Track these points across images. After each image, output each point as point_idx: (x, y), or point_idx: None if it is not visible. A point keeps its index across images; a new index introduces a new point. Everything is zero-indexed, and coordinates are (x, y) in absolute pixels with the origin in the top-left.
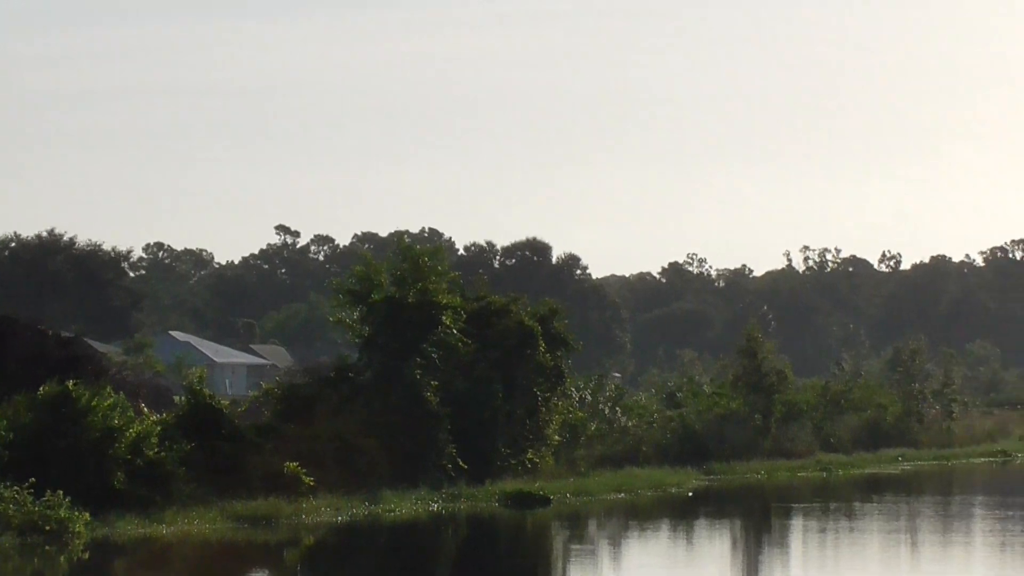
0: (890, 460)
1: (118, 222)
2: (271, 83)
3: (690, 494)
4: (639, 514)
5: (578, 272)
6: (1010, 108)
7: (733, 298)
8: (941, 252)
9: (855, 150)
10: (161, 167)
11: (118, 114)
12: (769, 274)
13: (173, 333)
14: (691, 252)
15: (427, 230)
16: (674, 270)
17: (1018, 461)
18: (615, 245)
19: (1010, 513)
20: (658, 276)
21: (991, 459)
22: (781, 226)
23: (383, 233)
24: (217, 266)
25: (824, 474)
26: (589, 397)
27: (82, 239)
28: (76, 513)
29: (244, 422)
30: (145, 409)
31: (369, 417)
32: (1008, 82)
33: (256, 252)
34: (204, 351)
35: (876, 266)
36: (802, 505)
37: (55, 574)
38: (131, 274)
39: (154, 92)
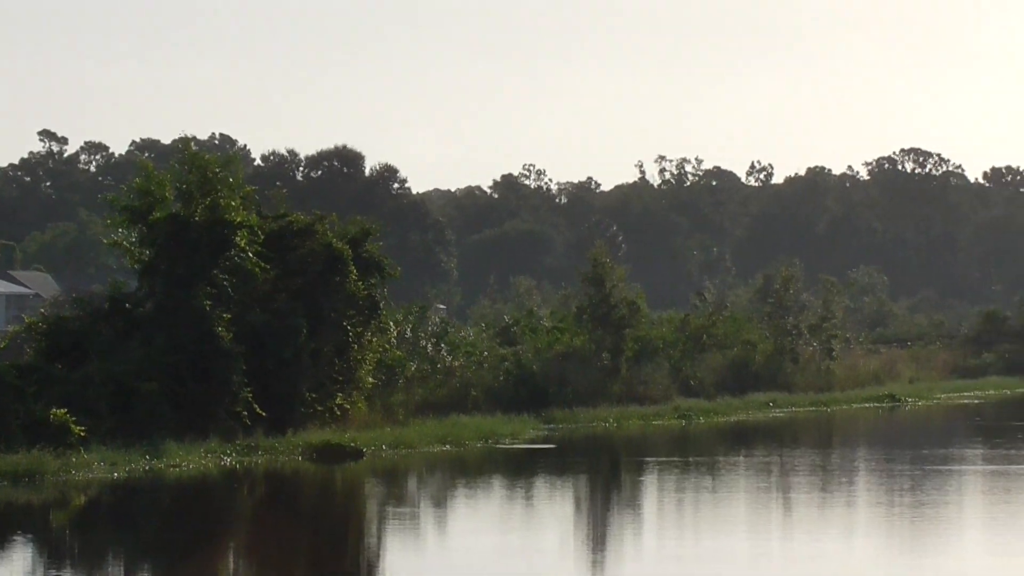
0: (759, 406)
1: None
2: None
3: (536, 446)
4: (467, 470)
5: (395, 186)
6: None
7: (577, 217)
8: (819, 163)
9: (719, 43)
10: None
11: None
12: (619, 188)
13: None
14: (528, 163)
15: (218, 136)
16: (507, 184)
17: (908, 407)
18: (439, 155)
19: (898, 468)
20: (489, 191)
21: (877, 404)
22: (633, 132)
23: (166, 140)
24: None
25: (683, 422)
26: (409, 332)
27: None
28: None
29: (2, 361)
30: None
31: (150, 356)
32: None
33: (15, 162)
34: None
35: (744, 179)
36: (657, 459)
37: None
38: None
39: None
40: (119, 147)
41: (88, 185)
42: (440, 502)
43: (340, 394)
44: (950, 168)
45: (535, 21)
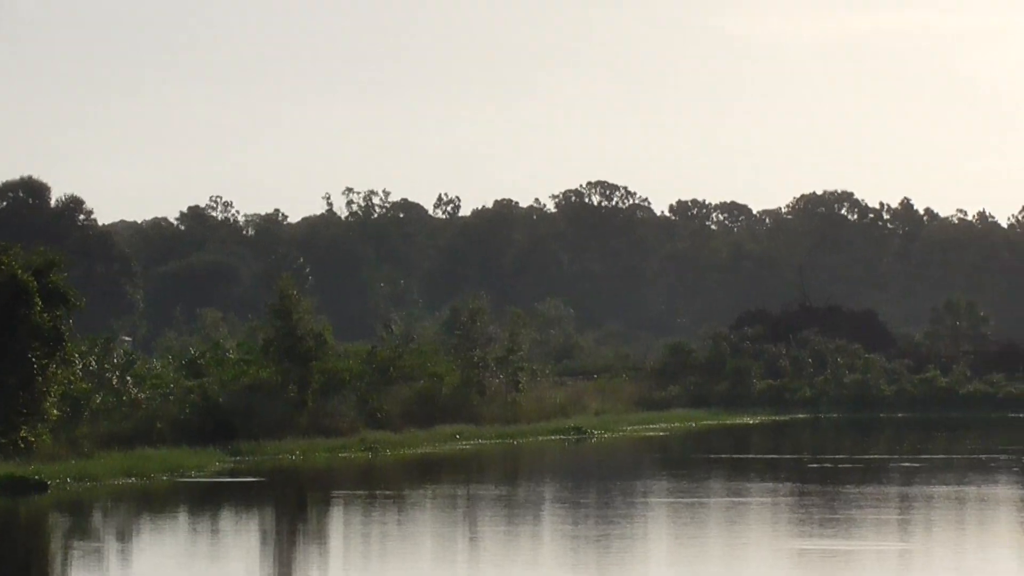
0: (446, 438)
1: None
2: None
3: (248, 479)
4: (153, 503)
5: (81, 217)
6: (590, 31)
7: (264, 248)
8: (506, 196)
9: (407, 74)
10: None
11: None
12: (306, 220)
13: None
14: (215, 194)
15: None
16: (194, 215)
17: (594, 439)
18: (125, 186)
19: (583, 500)
20: (175, 222)
21: (563, 437)
22: (320, 164)
23: None
24: None
25: (370, 455)
26: (94, 364)
27: None
28: None
29: None
30: None
31: None
32: (598, 4)
33: None
34: None
35: (431, 212)
36: (344, 492)
37: None
38: None
39: None
40: None
41: None
42: (125, 535)
43: (24, 426)
44: (637, 201)
45: (222, 52)
